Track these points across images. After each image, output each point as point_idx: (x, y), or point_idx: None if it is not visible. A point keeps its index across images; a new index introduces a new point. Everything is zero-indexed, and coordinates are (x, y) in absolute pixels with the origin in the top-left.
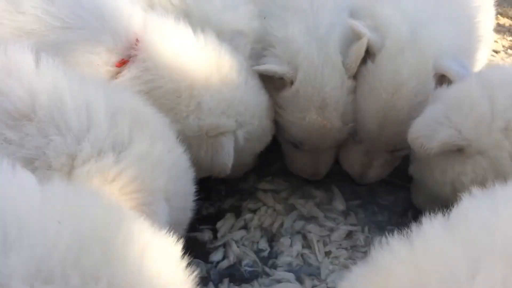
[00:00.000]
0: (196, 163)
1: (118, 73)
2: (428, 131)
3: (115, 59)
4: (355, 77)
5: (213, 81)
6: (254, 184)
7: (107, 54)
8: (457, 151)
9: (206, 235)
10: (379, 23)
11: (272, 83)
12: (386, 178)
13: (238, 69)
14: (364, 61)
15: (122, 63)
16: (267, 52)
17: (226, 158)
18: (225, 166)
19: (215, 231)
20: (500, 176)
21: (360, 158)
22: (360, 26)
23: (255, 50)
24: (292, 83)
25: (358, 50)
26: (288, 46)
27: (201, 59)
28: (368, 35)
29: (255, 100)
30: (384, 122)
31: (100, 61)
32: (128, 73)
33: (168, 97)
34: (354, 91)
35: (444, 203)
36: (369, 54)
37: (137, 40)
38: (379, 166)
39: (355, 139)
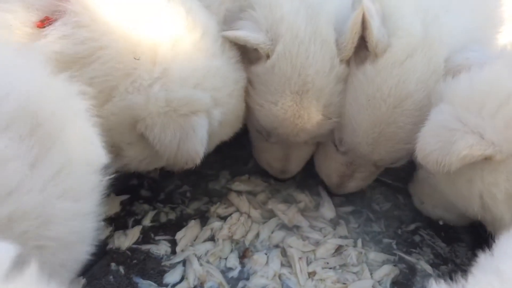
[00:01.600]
0: (152, 150)
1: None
2: (440, 143)
3: (35, 17)
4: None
5: (183, 44)
6: (226, 184)
7: (23, 11)
8: (485, 159)
9: (162, 248)
10: (388, 11)
11: (246, 54)
12: (381, 179)
13: (214, 33)
14: (361, 61)
15: (45, 22)
16: (245, 14)
17: (198, 143)
18: (195, 154)
19: (174, 243)
20: None
21: (341, 168)
22: (372, 9)
23: (231, 12)
24: (268, 56)
25: (354, 24)
26: (270, 10)
27: (166, 15)
28: (374, 23)
29: (234, 75)
30: (379, 139)
31: (15, 20)
32: (54, 32)
33: (120, 59)
34: (345, 79)
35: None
36: (368, 53)
37: None
38: (361, 178)
39: (339, 149)
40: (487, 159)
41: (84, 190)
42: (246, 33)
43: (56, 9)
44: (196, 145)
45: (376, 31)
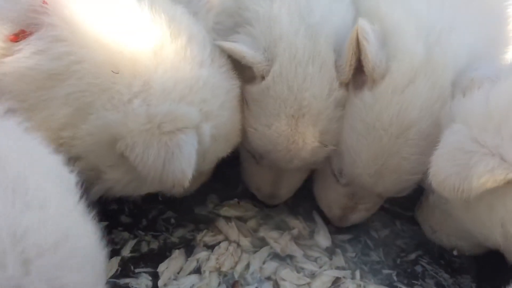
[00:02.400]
0: (136, 173)
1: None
2: (457, 167)
3: (8, 30)
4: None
5: (166, 53)
6: (214, 209)
7: None
8: (508, 183)
9: (143, 282)
10: (388, 30)
11: (241, 70)
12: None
13: (201, 40)
14: (359, 86)
15: (20, 36)
16: (242, 29)
17: (185, 164)
18: (182, 175)
19: (155, 276)
20: None
21: (343, 200)
22: (369, 32)
23: (225, 25)
24: (263, 77)
25: (349, 45)
26: (269, 27)
27: (146, 23)
28: (369, 48)
29: (225, 84)
30: (382, 171)
31: None
32: (29, 47)
33: (97, 73)
34: (344, 105)
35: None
36: (366, 78)
37: (44, 0)
38: (365, 209)
39: (340, 181)
40: (510, 183)
41: None
42: (244, 48)
43: (32, 21)
44: (183, 165)
45: (371, 55)
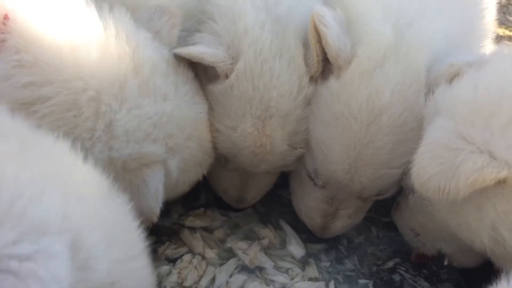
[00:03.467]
0: None
1: None
2: (442, 166)
3: None
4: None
5: (129, 89)
6: (178, 219)
7: None
8: (498, 183)
9: None
10: (353, 17)
11: (204, 69)
12: None
13: (164, 70)
14: (325, 76)
15: None
16: (204, 26)
17: (151, 200)
18: (150, 211)
19: None
20: None
21: (322, 206)
22: (325, 15)
23: (189, 30)
24: (226, 76)
25: (310, 34)
26: (233, 21)
27: (111, 56)
28: (329, 32)
29: (191, 114)
30: (357, 164)
31: None
32: None
33: (60, 114)
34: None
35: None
36: (332, 67)
37: (6, 16)
38: (347, 215)
39: (316, 182)
40: (500, 182)
41: None
42: (202, 49)
43: None
44: (149, 201)
45: (332, 39)
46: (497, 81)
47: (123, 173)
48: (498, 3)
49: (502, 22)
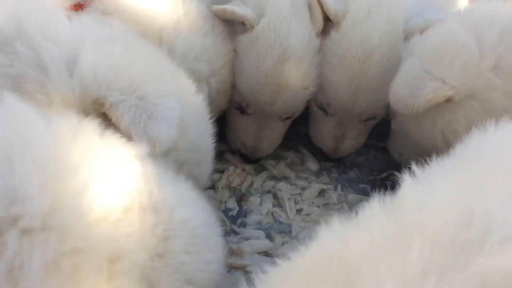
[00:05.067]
0: None
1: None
2: (410, 89)
3: (70, 0)
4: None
5: (182, 26)
6: (220, 147)
7: None
8: (447, 101)
9: None
10: None
11: (233, 28)
12: None
13: (205, 15)
14: (328, 31)
15: (78, 7)
16: None
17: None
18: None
19: None
20: (492, 117)
21: (332, 131)
22: None
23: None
24: (253, 27)
25: (313, 2)
26: None
27: (167, 3)
28: (327, 2)
29: (224, 48)
30: (357, 91)
31: (53, 1)
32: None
33: None
34: (319, 53)
35: (430, 153)
36: (331, 24)
37: None
38: (353, 137)
39: (328, 112)
40: (448, 100)
41: None
42: (233, 7)
43: None
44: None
45: (330, 5)
46: (446, 32)
47: None
48: None
49: None
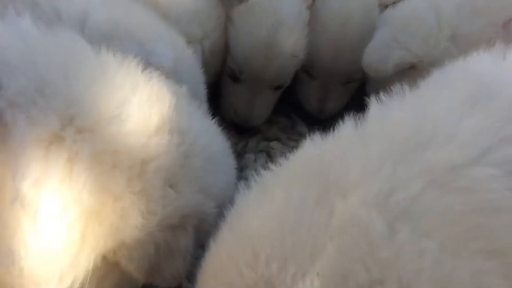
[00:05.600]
0: None
1: None
2: (380, 55)
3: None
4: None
5: None
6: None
7: None
8: (411, 68)
9: None
10: None
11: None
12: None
13: None
14: (314, 4)
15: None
16: None
17: None
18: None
19: None
20: None
21: (317, 93)
22: None
23: None
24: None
25: None
26: None
27: None
28: None
29: (215, 12)
30: (337, 53)
31: None
32: None
33: None
34: (307, 25)
35: None
36: None
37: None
38: (335, 98)
39: (313, 75)
40: (412, 67)
41: None
42: None
43: None
44: None
45: None
46: (412, 6)
47: None
48: None
49: None
